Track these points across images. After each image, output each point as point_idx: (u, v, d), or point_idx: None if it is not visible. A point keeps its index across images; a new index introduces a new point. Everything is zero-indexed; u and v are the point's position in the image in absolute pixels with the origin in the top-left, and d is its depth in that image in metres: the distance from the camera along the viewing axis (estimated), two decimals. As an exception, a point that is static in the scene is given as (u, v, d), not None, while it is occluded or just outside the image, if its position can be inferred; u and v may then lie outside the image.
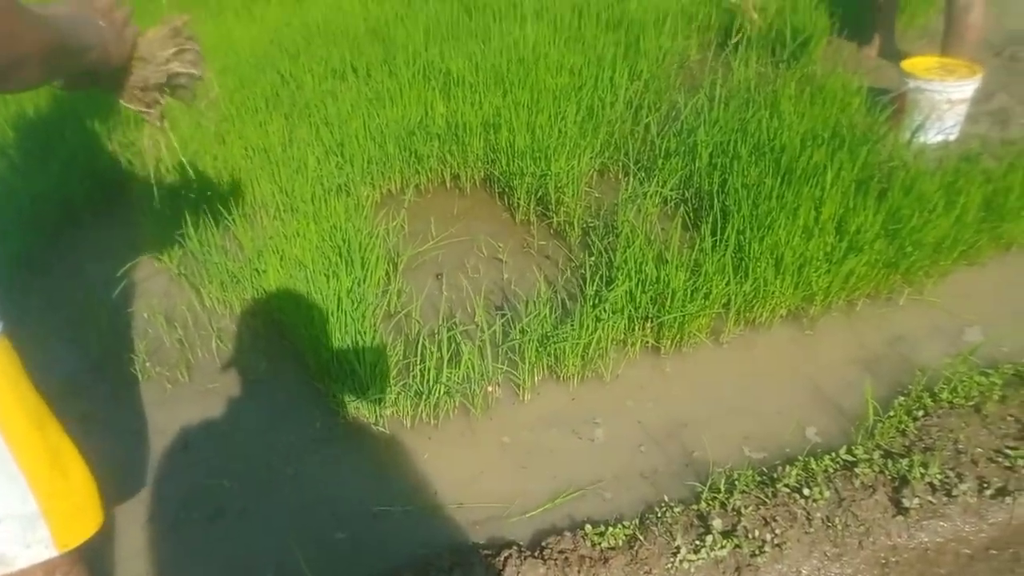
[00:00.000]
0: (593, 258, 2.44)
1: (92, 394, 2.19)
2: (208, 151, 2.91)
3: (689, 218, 2.65)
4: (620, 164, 2.92)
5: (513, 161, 2.81)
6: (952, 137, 3.10)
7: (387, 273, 2.47)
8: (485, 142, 2.96)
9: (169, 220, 2.58)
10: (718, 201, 2.54)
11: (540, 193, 2.75)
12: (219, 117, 3.15)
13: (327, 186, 2.67)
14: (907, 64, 3.11)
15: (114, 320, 2.42)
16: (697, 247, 2.31)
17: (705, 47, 3.86)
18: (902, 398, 2.02)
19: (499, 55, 3.40)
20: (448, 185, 3.01)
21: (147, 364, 2.25)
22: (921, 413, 1.96)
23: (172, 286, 2.59)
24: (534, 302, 2.16)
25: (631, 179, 2.79)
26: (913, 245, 2.24)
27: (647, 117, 3.03)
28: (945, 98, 2.98)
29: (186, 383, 2.22)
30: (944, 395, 1.99)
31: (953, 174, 2.47)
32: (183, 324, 2.38)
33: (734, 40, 3.66)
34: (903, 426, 1.92)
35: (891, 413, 1.96)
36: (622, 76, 3.22)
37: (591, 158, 2.87)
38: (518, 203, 2.78)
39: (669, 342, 2.19)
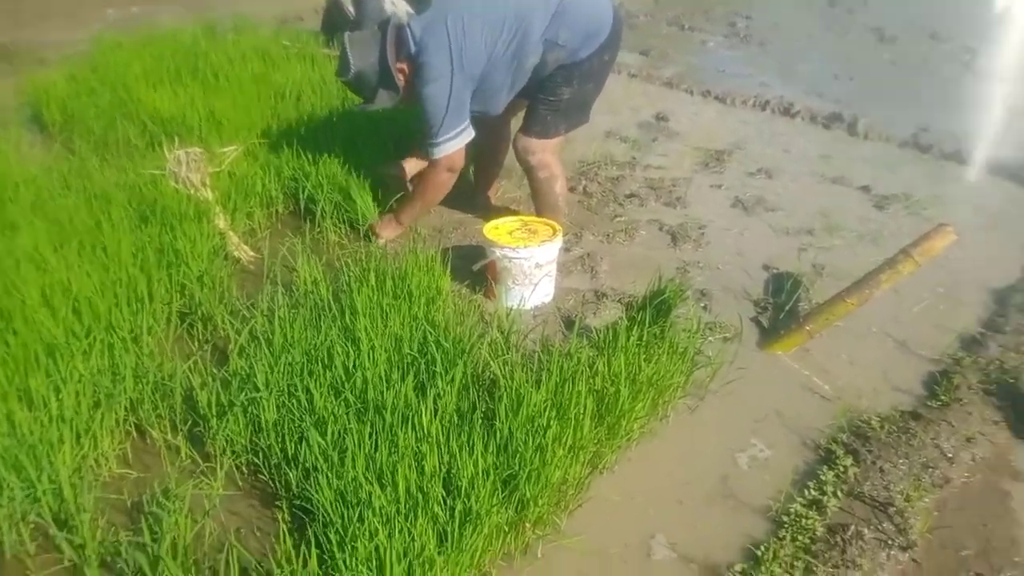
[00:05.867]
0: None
1: None
2: None
3: (259, 506, 1.96)
4: (165, 424, 2.12)
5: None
6: (549, 299, 2.90)
7: None
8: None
9: None
10: (295, 474, 1.89)
11: (34, 515, 1.83)
12: None
13: None
14: (489, 230, 2.84)
15: None
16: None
17: (273, 224, 3.27)
18: None
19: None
20: None
21: None
22: None
23: None
24: None
25: (180, 454, 2.02)
26: (535, 497, 1.82)
27: (196, 352, 2.29)
28: (534, 263, 2.76)
29: None
30: None
31: (560, 374, 2.14)
32: None
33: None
34: None
35: None
36: (158, 294, 2.45)
37: (113, 429, 2.04)
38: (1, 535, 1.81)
39: None
